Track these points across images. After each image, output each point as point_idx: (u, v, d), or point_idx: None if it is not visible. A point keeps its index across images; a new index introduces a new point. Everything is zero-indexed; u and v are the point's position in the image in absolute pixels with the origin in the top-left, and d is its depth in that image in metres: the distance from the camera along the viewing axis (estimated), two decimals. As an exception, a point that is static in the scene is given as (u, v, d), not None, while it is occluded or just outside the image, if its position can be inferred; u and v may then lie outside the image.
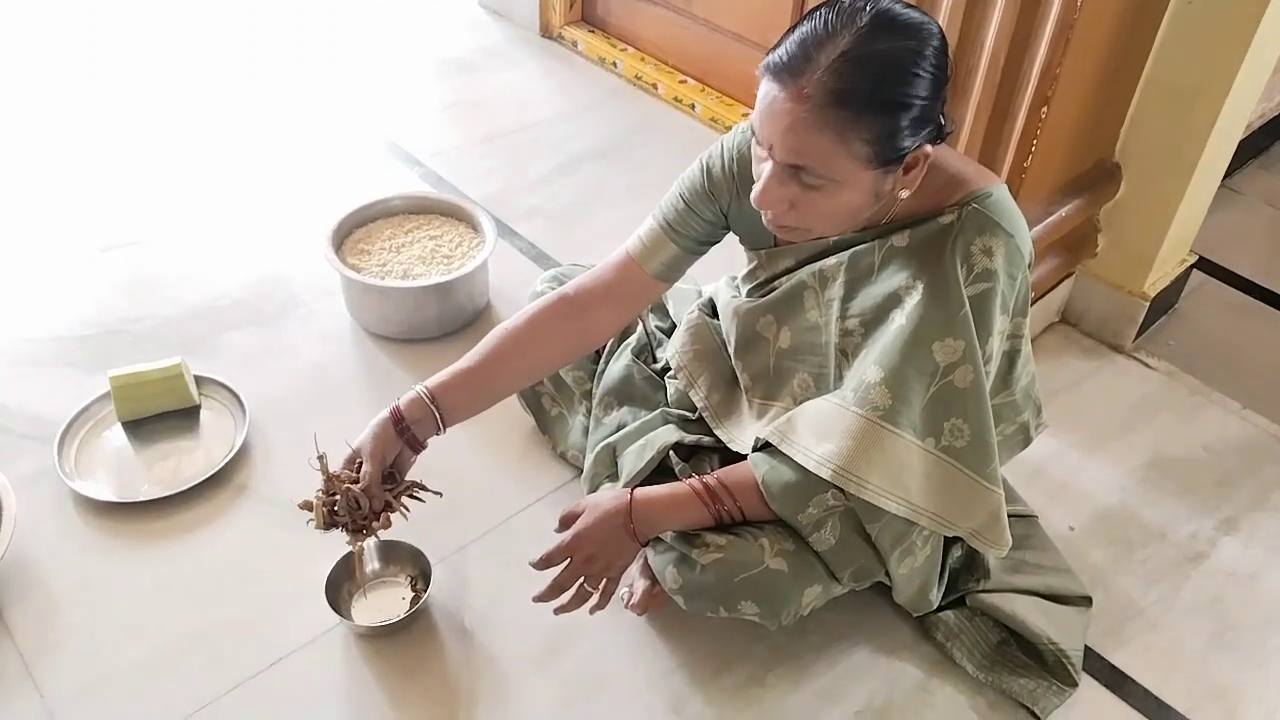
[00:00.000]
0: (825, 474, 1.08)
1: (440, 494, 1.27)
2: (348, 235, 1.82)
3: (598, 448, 1.34)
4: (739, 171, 1.19)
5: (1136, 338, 1.83)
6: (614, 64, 2.65)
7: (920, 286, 1.06)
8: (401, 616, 1.26)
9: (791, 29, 1.00)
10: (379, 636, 1.29)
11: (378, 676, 1.26)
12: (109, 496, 1.44)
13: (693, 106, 2.49)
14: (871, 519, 1.11)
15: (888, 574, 1.17)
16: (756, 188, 1.04)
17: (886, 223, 1.11)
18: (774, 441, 1.13)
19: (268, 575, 1.37)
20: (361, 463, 1.20)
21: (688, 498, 1.15)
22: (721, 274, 1.40)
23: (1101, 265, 1.81)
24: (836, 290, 1.14)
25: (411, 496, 1.26)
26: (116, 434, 1.56)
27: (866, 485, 1.07)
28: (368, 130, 2.39)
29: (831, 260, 1.15)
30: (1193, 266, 1.89)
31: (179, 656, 1.27)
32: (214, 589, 1.35)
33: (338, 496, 1.20)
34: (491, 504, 1.48)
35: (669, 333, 1.50)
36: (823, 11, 0.98)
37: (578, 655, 1.29)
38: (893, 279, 1.09)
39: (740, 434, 1.26)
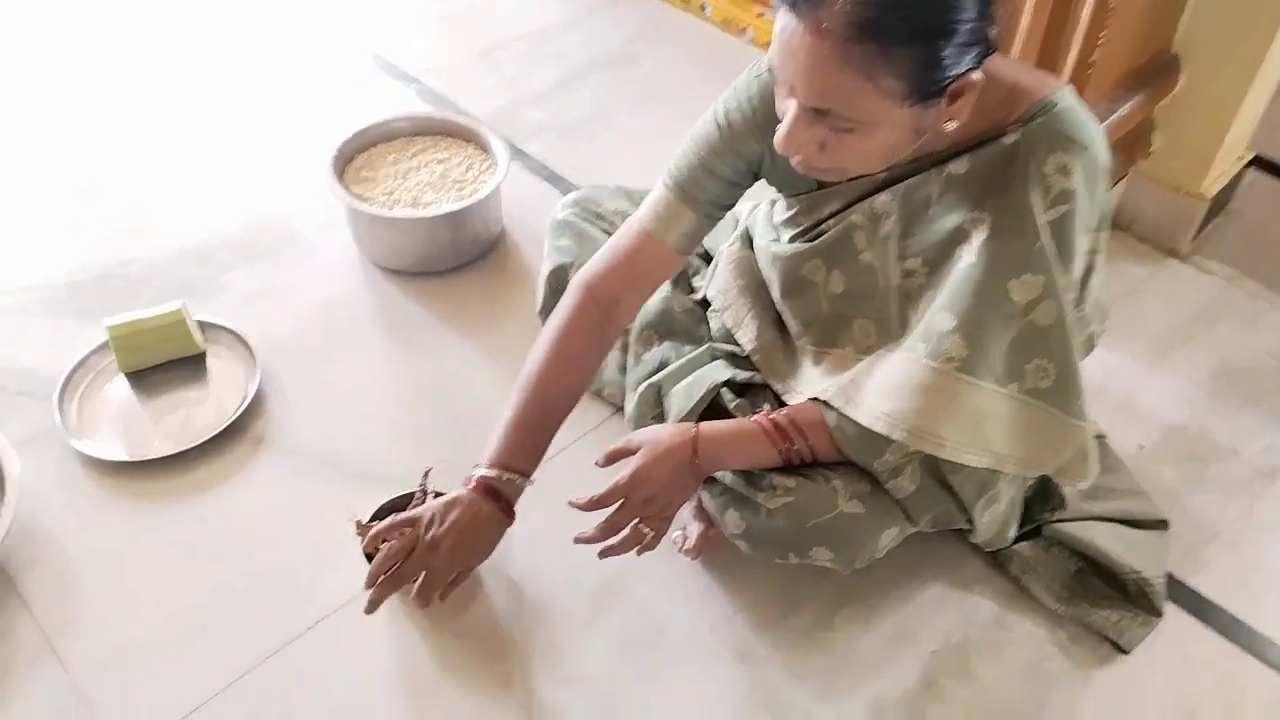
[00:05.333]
0: (898, 435, 0.98)
1: None
2: (349, 162, 1.69)
3: (640, 387, 1.25)
4: (764, 117, 1.04)
5: (1192, 241, 1.73)
6: (615, -34, 2.48)
7: (988, 219, 0.95)
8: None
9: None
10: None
11: (423, 636, 1.18)
12: (118, 455, 1.35)
13: (703, 8, 2.33)
14: (953, 470, 1.03)
15: (969, 520, 1.09)
16: (780, 131, 0.91)
17: (941, 150, 0.99)
18: (837, 405, 1.04)
19: (295, 532, 1.29)
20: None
21: (755, 435, 1.06)
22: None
23: (1156, 166, 1.70)
24: (891, 227, 1.03)
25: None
26: (119, 386, 1.45)
27: (945, 443, 0.98)
28: (355, 46, 2.24)
29: (883, 197, 1.03)
30: (1248, 164, 1.78)
31: (207, 623, 1.19)
32: (239, 549, 1.27)
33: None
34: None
35: (706, 258, 1.40)
36: None
37: (631, 604, 1.21)
38: (954, 212, 0.98)
39: (796, 385, 1.16)
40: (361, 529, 1.16)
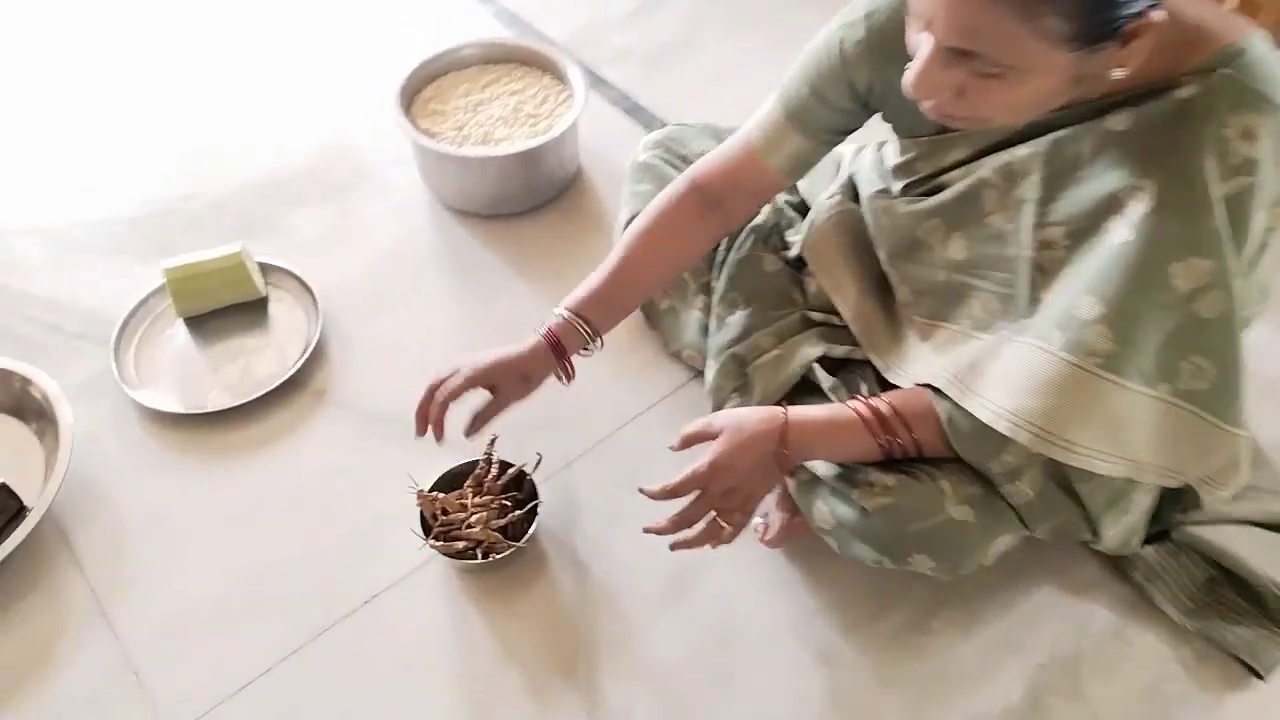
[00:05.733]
0: (1022, 438, 0.85)
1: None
2: (417, 93, 1.58)
3: (722, 356, 1.13)
4: (885, 45, 0.91)
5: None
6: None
7: (1151, 188, 0.79)
8: (508, 552, 1.10)
9: None
10: (484, 571, 1.13)
11: (485, 617, 1.11)
12: (174, 407, 1.29)
13: (805, -79, 2.12)
14: (1082, 477, 0.90)
15: (1094, 532, 0.95)
16: (911, 72, 0.77)
17: (1098, 98, 0.83)
18: (952, 395, 0.90)
19: (355, 495, 1.22)
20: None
21: (852, 424, 0.94)
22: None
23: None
24: (1030, 189, 0.88)
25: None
26: (178, 332, 1.39)
27: (1075, 449, 0.84)
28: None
29: (1023, 151, 0.88)
30: None
31: (261, 592, 1.13)
32: (297, 512, 1.21)
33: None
34: (597, 411, 1.29)
35: (801, 209, 1.26)
36: None
37: (705, 594, 1.12)
38: (1109, 176, 0.82)
39: (901, 363, 1.03)
40: (423, 499, 1.09)
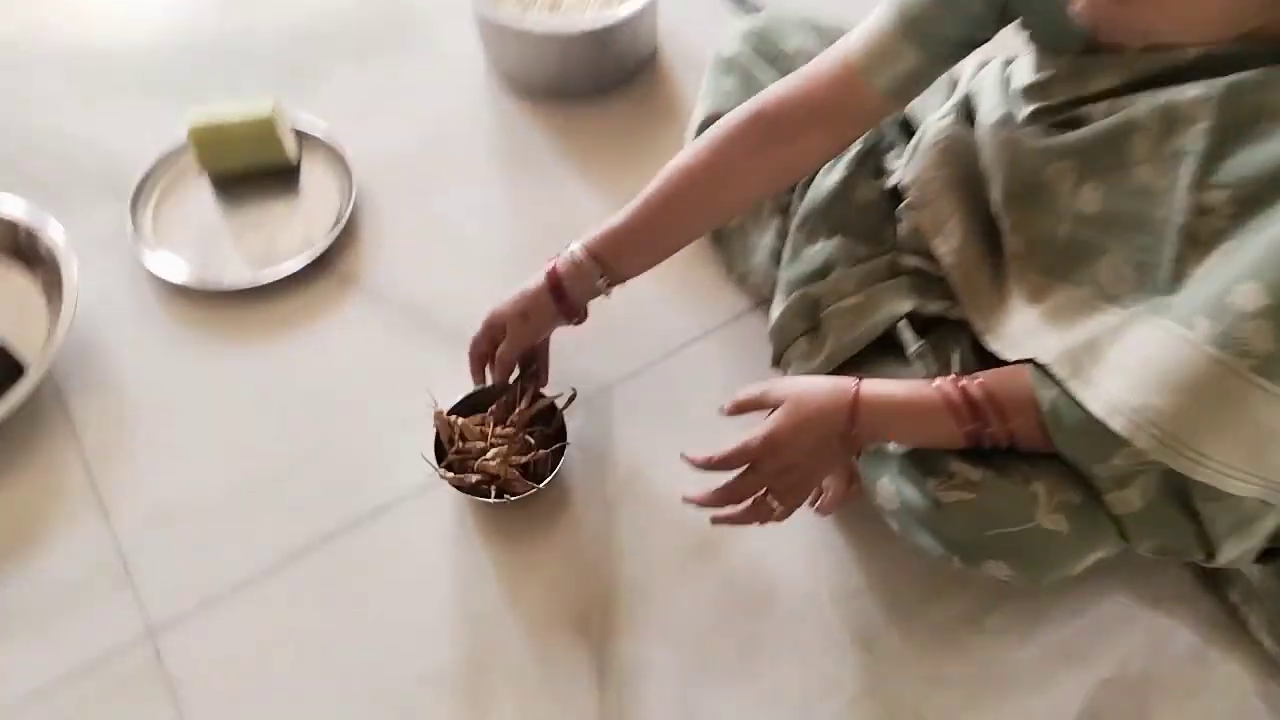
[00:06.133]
0: (1142, 441, 0.70)
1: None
2: (485, -53, 1.40)
3: (795, 293, 0.99)
4: None
5: None
6: None
7: None
8: (526, 494, 0.99)
9: None
10: (497, 510, 1.03)
11: (494, 556, 1.01)
12: (190, 278, 1.18)
13: None
14: (1208, 495, 0.76)
15: (1209, 554, 0.82)
16: None
17: None
18: (1060, 375, 0.76)
19: (377, 395, 1.12)
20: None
21: (935, 408, 0.80)
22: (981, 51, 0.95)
23: None
24: (1194, 140, 0.71)
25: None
26: (202, 191, 1.28)
27: (1206, 462, 0.69)
28: None
29: (1190, 92, 0.71)
30: None
31: (263, 491, 1.05)
32: (311, 406, 1.11)
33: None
34: (644, 332, 1.17)
35: (906, 130, 1.09)
36: None
37: (742, 553, 1.01)
38: None
39: (1002, 323, 0.87)
40: (440, 420, 0.99)
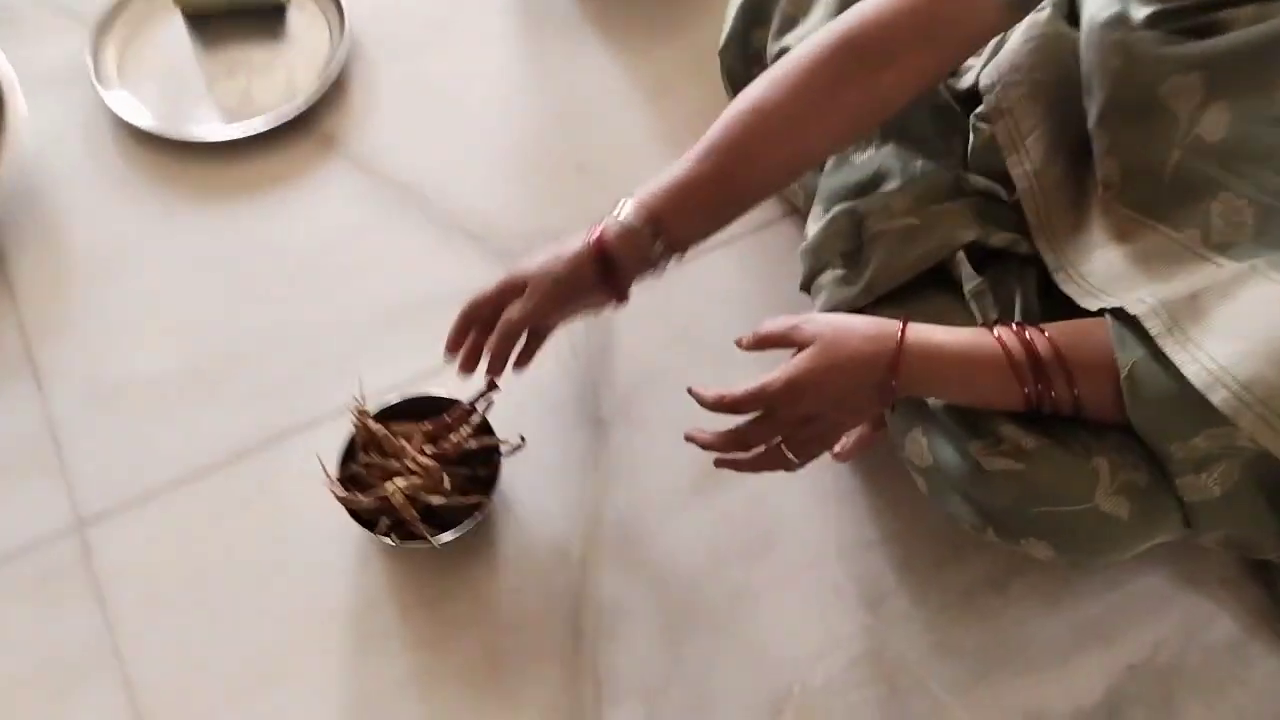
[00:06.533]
0: (1245, 420, 0.59)
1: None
2: None
3: (836, 208, 0.85)
4: None
5: None
6: None
7: None
8: (414, 545, 0.81)
9: None
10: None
11: (470, 463, 0.91)
12: (153, 123, 1.05)
13: None
14: None
15: None
16: None
17: None
18: (1153, 331, 0.63)
19: (350, 278, 1.00)
20: None
21: (993, 362, 0.68)
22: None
23: None
24: None
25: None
26: (176, 25, 1.14)
27: None
28: None
29: None
30: None
31: (218, 377, 0.94)
32: (279, 283, 1.00)
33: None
34: (660, 234, 1.04)
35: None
36: None
37: (745, 492, 0.91)
38: None
39: (1080, 262, 0.74)
40: (360, 419, 0.83)
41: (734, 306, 1.00)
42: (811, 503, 0.91)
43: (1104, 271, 0.71)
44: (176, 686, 0.80)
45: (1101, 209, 0.74)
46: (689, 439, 0.75)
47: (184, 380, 0.93)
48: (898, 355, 0.67)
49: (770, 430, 0.71)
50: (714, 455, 0.75)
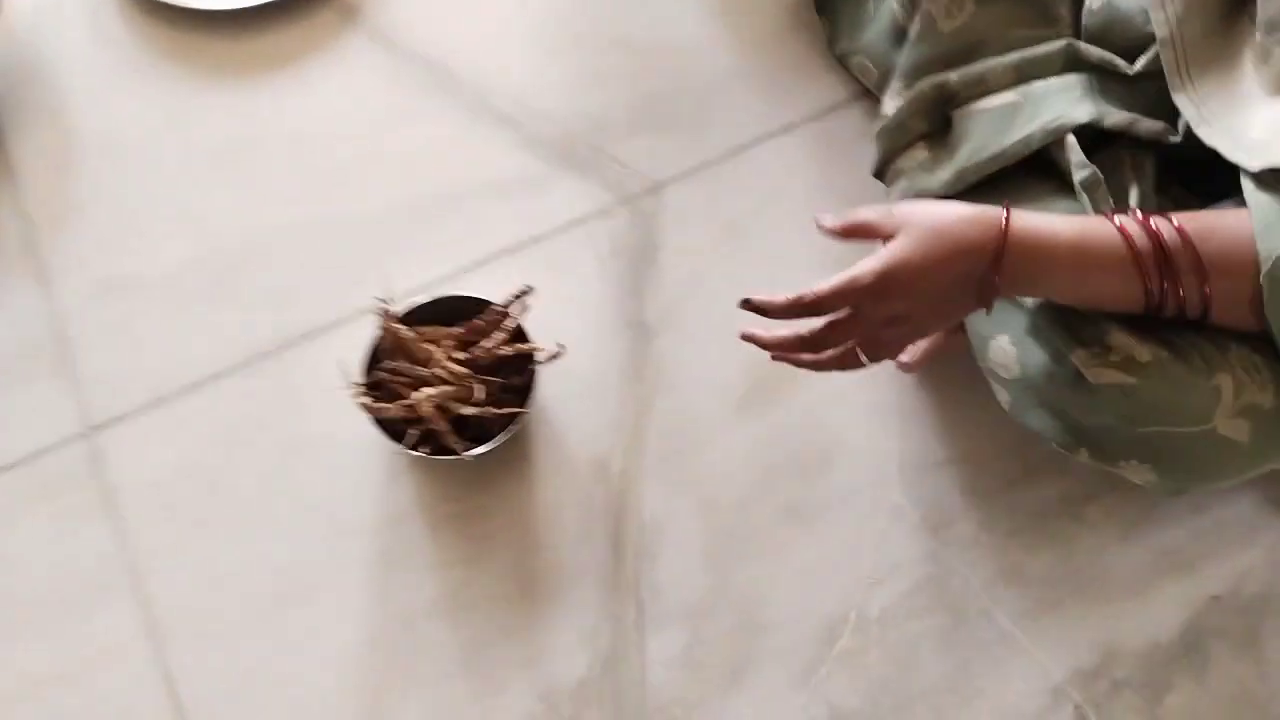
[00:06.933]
0: None
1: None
2: None
3: (923, 82, 0.75)
4: None
5: None
6: None
7: None
8: (448, 457, 0.75)
9: None
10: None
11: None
12: (158, -10, 0.96)
13: None
14: None
15: None
16: None
17: None
18: None
19: (373, 166, 0.92)
20: None
21: (1114, 253, 0.59)
22: None
23: None
24: None
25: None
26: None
27: None
28: None
29: None
30: None
31: (231, 272, 0.87)
32: (292, 170, 0.92)
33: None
34: (709, 121, 0.95)
35: None
36: None
37: (801, 404, 0.84)
38: None
39: (1228, 114, 0.63)
40: (386, 322, 0.75)
41: (790, 203, 0.91)
42: (871, 418, 0.83)
43: (1265, 127, 0.61)
44: (194, 605, 0.76)
45: (1260, 54, 0.63)
46: (746, 338, 0.66)
47: (197, 273, 0.87)
48: (1002, 242, 0.59)
49: (850, 331, 0.63)
50: (771, 354, 0.67)
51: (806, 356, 0.66)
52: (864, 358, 0.64)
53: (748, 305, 0.63)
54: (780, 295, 0.62)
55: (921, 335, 0.66)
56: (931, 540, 0.80)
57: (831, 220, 0.64)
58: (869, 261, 0.60)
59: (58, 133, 0.92)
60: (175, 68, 0.95)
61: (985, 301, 0.61)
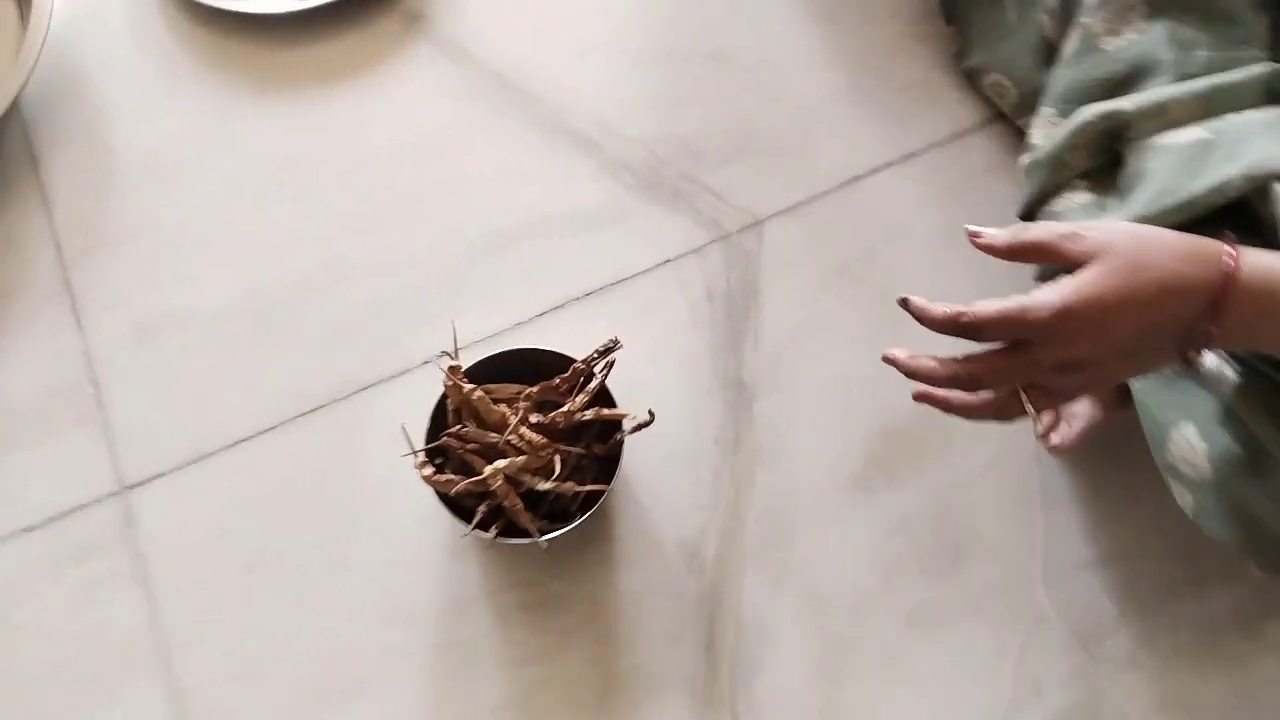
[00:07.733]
0: None
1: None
2: None
3: (1090, 110, 0.62)
4: None
5: None
6: None
7: None
8: (519, 540, 0.65)
9: None
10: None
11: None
12: (210, -3, 0.87)
13: None
14: None
15: None
16: None
17: None
18: None
19: (439, 193, 0.82)
20: None
21: None
22: None
23: None
24: None
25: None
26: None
27: None
28: None
29: None
30: None
31: (280, 313, 0.78)
32: (350, 198, 0.82)
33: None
34: (816, 150, 0.83)
35: None
36: None
37: (925, 484, 0.72)
38: None
39: None
40: (451, 378, 0.65)
41: (910, 243, 0.80)
42: (1012, 506, 0.71)
43: None
44: (227, 694, 0.67)
45: None
46: (888, 360, 0.53)
47: (243, 314, 0.78)
48: (1226, 285, 0.46)
49: (1018, 370, 0.50)
50: (914, 393, 0.54)
51: (957, 396, 0.54)
52: (1029, 406, 0.52)
53: (905, 304, 0.51)
54: (941, 305, 0.50)
55: (1103, 387, 0.55)
56: (1082, 656, 0.68)
57: (997, 235, 0.51)
58: (1047, 293, 0.48)
59: (94, 152, 0.83)
60: (223, 80, 0.86)
61: (1188, 354, 0.49)
